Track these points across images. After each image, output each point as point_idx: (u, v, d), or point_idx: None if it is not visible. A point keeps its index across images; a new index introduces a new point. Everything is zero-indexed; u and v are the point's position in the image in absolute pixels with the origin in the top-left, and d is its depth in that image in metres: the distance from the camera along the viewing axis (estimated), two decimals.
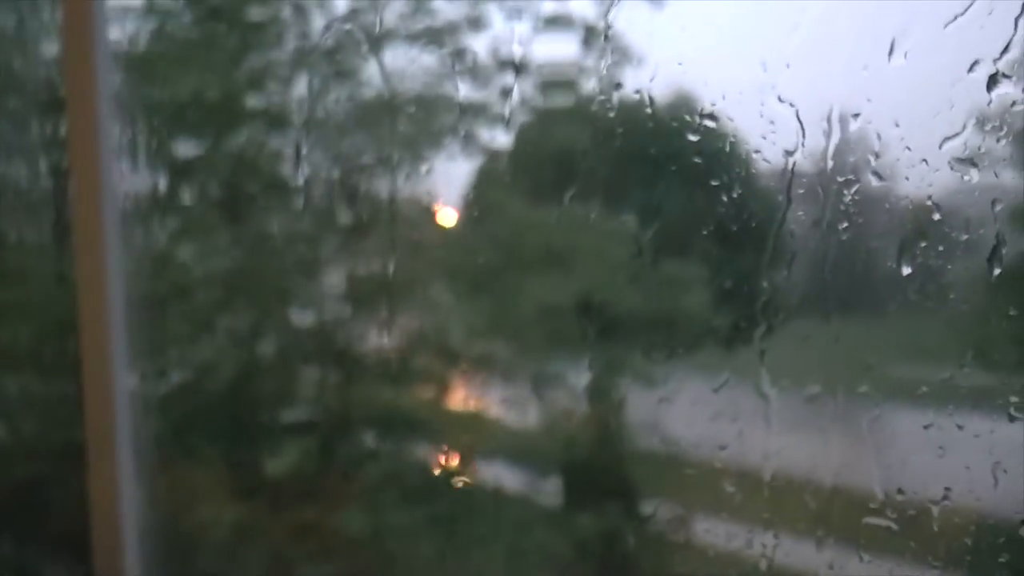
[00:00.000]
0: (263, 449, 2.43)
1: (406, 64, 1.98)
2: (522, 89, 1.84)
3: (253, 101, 2.37)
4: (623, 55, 1.57)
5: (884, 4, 1.32)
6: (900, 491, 1.33)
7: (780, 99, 1.40)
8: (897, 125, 1.32)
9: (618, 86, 1.57)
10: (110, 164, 2.11)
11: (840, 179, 1.38)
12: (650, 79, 1.54)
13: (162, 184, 2.37)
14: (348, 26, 2.04)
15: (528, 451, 2.12)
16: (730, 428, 1.49)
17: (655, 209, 1.64)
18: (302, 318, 2.43)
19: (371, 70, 2.06)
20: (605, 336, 1.81)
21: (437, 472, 2.31)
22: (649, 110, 1.54)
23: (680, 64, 1.49)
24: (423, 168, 2.04)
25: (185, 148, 2.43)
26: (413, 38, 1.99)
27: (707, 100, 1.47)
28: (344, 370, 2.39)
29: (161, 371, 2.37)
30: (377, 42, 1.99)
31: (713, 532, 1.56)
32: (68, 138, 2.13)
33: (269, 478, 2.44)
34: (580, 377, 1.96)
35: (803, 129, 1.40)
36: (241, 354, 2.47)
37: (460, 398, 2.27)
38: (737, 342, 1.55)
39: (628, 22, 1.56)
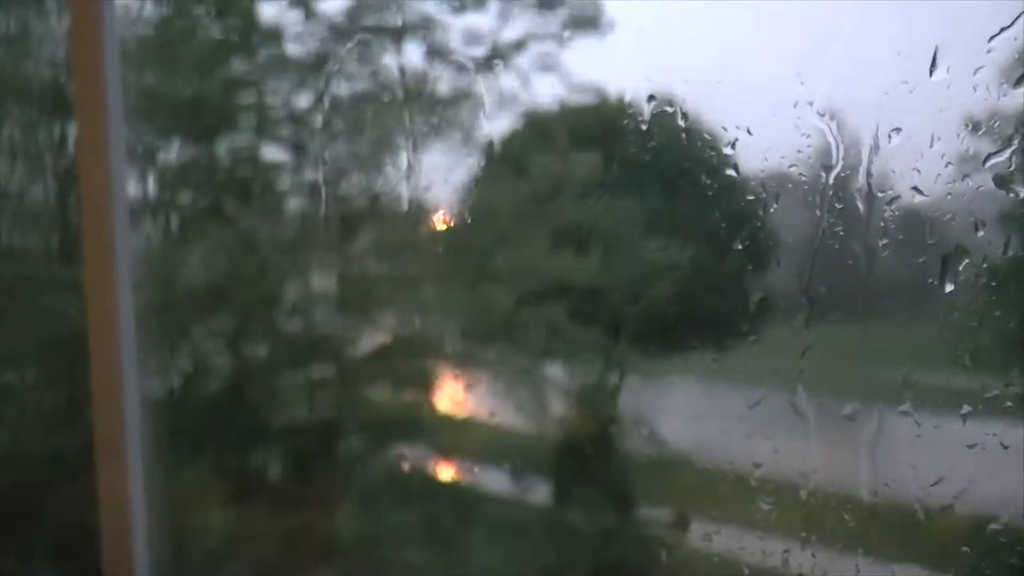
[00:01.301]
0: (268, 453, 2.43)
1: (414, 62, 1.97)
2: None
3: (248, 102, 2.35)
4: (656, 64, 1.55)
5: (926, 17, 1.30)
6: (944, 511, 1.32)
7: (819, 113, 1.37)
8: (939, 139, 1.30)
9: (651, 98, 1.54)
10: (119, 168, 2.08)
11: (880, 194, 1.36)
12: (684, 90, 1.52)
13: (166, 187, 2.35)
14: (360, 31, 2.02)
15: (529, 455, 2.12)
16: (765, 445, 1.47)
17: (687, 221, 1.63)
18: (307, 322, 2.42)
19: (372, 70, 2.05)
20: (635, 345, 1.80)
21: (436, 475, 2.31)
22: (683, 122, 1.52)
23: (715, 75, 1.46)
24: (420, 169, 2.02)
25: (184, 150, 2.42)
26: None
27: (743, 113, 1.44)
28: (347, 374, 2.39)
29: (169, 376, 2.35)
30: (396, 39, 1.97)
31: (749, 548, 1.54)
32: (77, 143, 2.10)
33: (274, 481, 2.43)
34: (603, 381, 1.96)
35: (840, 144, 1.38)
36: (244, 359, 2.46)
37: (466, 404, 2.27)
38: (770, 356, 1.53)
39: (664, 30, 1.53)
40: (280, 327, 2.44)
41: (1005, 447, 1.25)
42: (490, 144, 1.96)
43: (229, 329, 2.46)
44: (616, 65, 1.61)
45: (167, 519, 2.18)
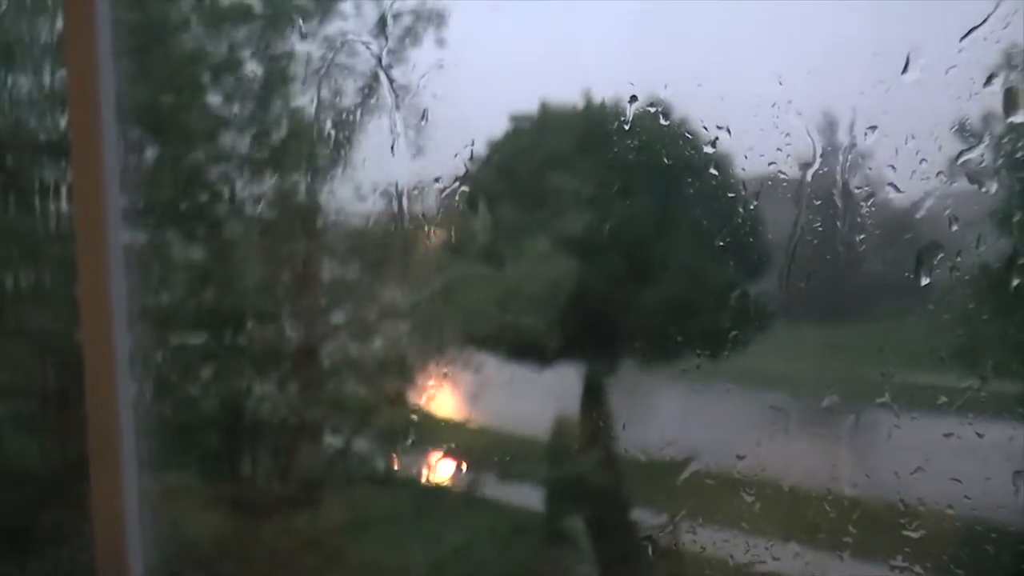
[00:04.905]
0: (258, 458, 2.43)
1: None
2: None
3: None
4: (637, 66, 1.57)
5: (900, 18, 1.33)
6: (921, 501, 1.34)
7: (797, 112, 1.40)
8: (913, 137, 1.33)
9: (633, 99, 1.57)
10: (113, 178, 2.09)
11: (857, 191, 1.39)
12: (665, 91, 1.55)
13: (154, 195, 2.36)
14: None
15: (519, 457, 2.13)
16: (747, 440, 1.49)
17: (667, 220, 1.65)
18: (290, 330, 2.43)
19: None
20: (620, 346, 1.82)
21: (427, 476, 2.32)
22: (664, 121, 1.55)
23: (695, 76, 1.49)
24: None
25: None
26: None
27: (723, 113, 1.47)
28: (333, 380, 2.40)
29: (160, 386, 2.36)
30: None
31: (733, 542, 1.56)
32: (71, 144, 2.11)
33: (264, 483, 2.44)
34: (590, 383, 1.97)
35: (818, 142, 1.41)
36: (230, 368, 2.47)
37: (458, 406, 2.28)
38: (750, 352, 1.56)
39: (644, 32, 1.56)
40: (265, 333, 2.45)
41: (980, 436, 1.28)
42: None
43: (217, 338, 2.47)
44: (598, 67, 1.63)
45: (160, 522, 2.19)
